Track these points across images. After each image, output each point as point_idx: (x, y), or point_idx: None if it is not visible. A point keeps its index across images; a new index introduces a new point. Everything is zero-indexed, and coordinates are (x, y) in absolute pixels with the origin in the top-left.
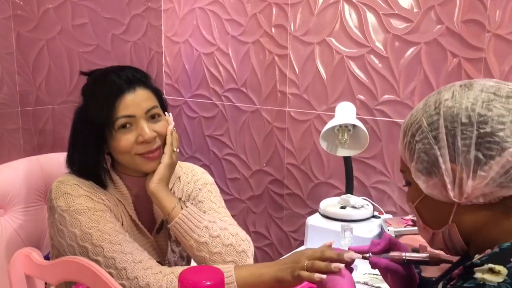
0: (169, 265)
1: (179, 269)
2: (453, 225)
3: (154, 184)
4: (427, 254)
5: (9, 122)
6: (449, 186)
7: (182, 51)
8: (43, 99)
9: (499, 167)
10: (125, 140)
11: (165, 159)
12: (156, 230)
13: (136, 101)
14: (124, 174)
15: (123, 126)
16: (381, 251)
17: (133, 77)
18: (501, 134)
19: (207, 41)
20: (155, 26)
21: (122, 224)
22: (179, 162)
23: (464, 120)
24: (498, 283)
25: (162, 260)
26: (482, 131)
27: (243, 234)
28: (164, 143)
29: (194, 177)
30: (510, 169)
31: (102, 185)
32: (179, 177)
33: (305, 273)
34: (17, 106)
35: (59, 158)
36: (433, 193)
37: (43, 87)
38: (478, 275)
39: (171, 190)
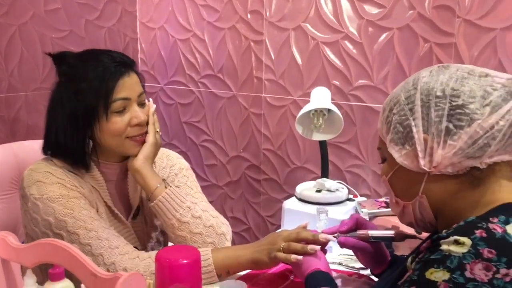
0: (146, 250)
1: (156, 253)
2: (423, 197)
3: (140, 161)
4: (393, 231)
5: None
6: (420, 155)
7: (157, 37)
8: (15, 85)
9: (468, 137)
10: (120, 122)
11: (150, 138)
12: (133, 216)
13: (131, 84)
14: (99, 161)
15: (119, 109)
16: (349, 230)
17: (127, 61)
18: (471, 106)
19: (182, 27)
20: (129, 11)
21: (97, 211)
22: None
23: (438, 93)
24: (463, 253)
25: (139, 246)
26: (454, 103)
27: (222, 218)
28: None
29: (169, 162)
30: (478, 140)
31: (86, 168)
32: (154, 162)
33: (281, 255)
34: None
35: (33, 146)
36: (406, 162)
37: (16, 74)
38: (444, 247)
39: None
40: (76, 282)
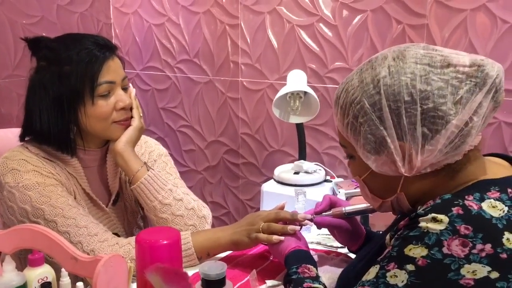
0: (126, 237)
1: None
2: (401, 194)
3: (122, 144)
4: (366, 205)
5: None
6: (399, 163)
7: (131, 23)
8: None
9: (445, 139)
10: (105, 105)
11: (135, 121)
12: (113, 202)
13: (116, 68)
14: (78, 147)
15: (104, 93)
16: (323, 210)
17: (110, 45)
18: (443, 108)
19: (157, 11)
20: None
21: (75, 198)
22: None
23: (406, 98)
24: (440, 230)
25: (120, 232)
26: (425, 107)
27: (202, 202)
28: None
29: (148, 148)
30: (454, 139)
31: (71, 154)
32: None
33: (262, 236)
34: None
35: (7, 134)
36: (383, 169)
37: None
38: (422, 224)
39: None
40: (55, 268)
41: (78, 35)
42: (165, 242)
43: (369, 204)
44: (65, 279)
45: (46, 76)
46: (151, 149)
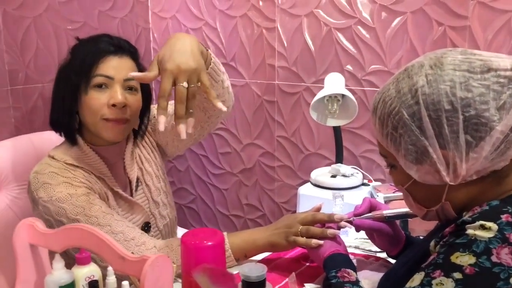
0: (156, 223)
1: (173, 242)
2: (447, 203)
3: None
4: (407, 209)
5: None
6: (443, 173)
7: (169, 27)
8: (32, 77)
9: (490, 146)
10: (97, 98)
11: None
12: (135, 189)
13: (119, 66)
14: (97, 146)
15: (99, 85)
16: (363, 213)
17: (124, 46)
18: (486, 114)
19: (194, 16)
20: (141, 2)
21: (108, 199)
22: None
23: (447, 106)
24: (489, 238)
25: (148, 217)
26: (467, 114)
27: None
28: (134, 122)
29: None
30: (499, 145)
31: (73, 141)
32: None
33: (301, 239)
34: (6, 85)
35: (50, 136)
36: (427, 179)
37: (32, 66)
38: (469, 231)
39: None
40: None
41: (102, 34)
42: (210, 243)
43: (408, 209)
44: (111, 278)
45: (62, 65)
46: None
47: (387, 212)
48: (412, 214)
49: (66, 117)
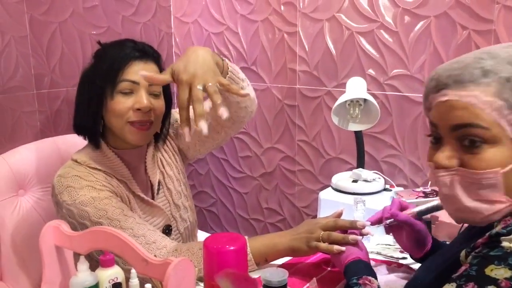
0: (177, 226)
1: (194, 245)
2: None
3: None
4: (435, 202)
5: (25, 104)
6: None
7: (191, 32)
8: (57, 81)
9: None
10: (123, 103)
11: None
12: (157, 192)
13: (144, 71)
14: (120, 150)
15: (125, 90)
16: (394, 215)
17: (148, 51)
18: None
19: (216, 20)
20: (164, 7)
21: (129, 202)
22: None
23: None
24: None
25: (170, 220)
26: None
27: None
28: (157, 126)
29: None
30: None
31: (97, 144)
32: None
33: (323, 245)
34: (32, 89)
35: (74, 139)
36: None
37: (57, 70)
38: (505, 244)
39: (154, 154)
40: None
41: (126, 39)
42: (232, 248)
43: (438, 201)
44: (134, 280)
45: (88, 69)
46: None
47: (417, 208)
48: (442, 206)
49: (90, 121)
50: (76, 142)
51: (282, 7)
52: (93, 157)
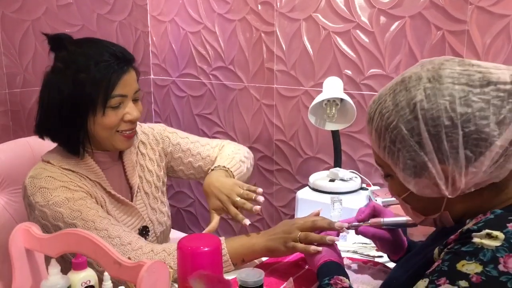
0: (153, 227)
1: (169, 246)
2: (446, 212)
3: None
4: (406, 218)
5: None
6: (442, 187)
7: (168, 31)
8: (30, 80)
9: (489, 161)
10: (114, 116)
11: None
12: (136, 194)
13: (129, 81)
14: (93, 151)
15: (115, 105)
16: (366, 219)
17: (127, 56)
18: (486, 130)
19: (193, 19)
20: (140, 5)
21: (105, 202)
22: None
23: (446, 122)
24: (496, 247)
25: (147, 223)
26: (467, 130)
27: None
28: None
29: (150, 133)
30: (498, 159)
31: (79, 156)
32: (145, 146)
33: (300, 245)
34: (4, 88)
35: (47, 139)
36: (425, 192)
37: (30, 69)
38: (476, 240)
39: (135, 160)
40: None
41: (99, 44)
42: (206, 249)
43: (409, 218)
44: (108, 283)
45: (61, 79)
46: (152, 132)
47: (385, 220)
48: (411, 224)
49: (74, 131)
50: (49, 142)
51: (259, 7)
52: (65, 158)
